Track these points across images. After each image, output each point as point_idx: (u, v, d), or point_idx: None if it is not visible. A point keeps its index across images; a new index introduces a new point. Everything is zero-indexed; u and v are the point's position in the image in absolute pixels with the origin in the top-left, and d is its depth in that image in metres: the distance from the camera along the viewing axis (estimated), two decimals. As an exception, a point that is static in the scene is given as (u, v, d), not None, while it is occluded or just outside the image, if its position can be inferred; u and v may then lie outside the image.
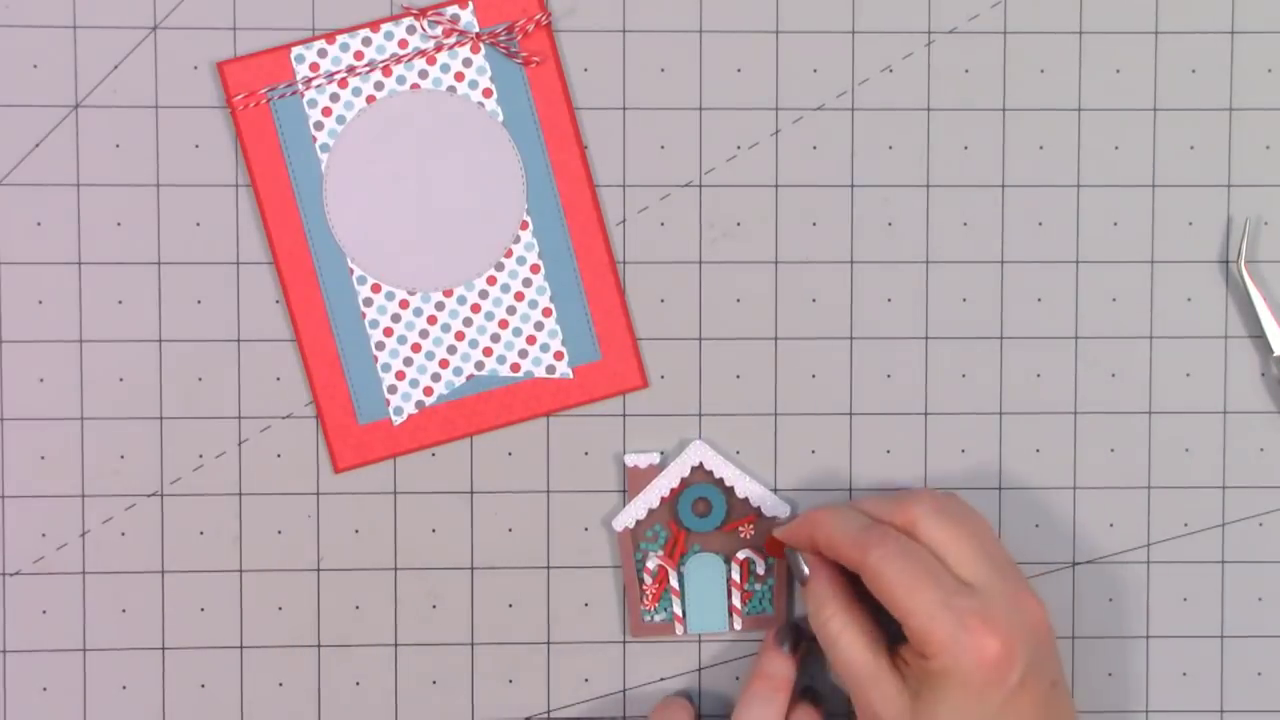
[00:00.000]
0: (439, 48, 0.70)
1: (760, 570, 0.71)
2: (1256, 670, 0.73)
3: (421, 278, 0.71)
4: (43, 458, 0.71)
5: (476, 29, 0.70)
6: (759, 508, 0.71)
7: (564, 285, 0.71)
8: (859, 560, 0.63)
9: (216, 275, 0.71)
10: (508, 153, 0.71)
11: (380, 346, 0.71)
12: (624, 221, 0.72)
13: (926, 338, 0.72)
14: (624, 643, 0.72)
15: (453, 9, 0.70)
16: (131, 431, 0.71)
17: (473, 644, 0.72)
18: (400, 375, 0.71)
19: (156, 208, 0.71)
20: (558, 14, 0.71)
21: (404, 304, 0.71)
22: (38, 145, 0.71)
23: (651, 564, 0.71)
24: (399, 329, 0.71)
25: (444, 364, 0.71)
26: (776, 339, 0.72)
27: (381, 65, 0.70)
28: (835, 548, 0.65)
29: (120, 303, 0.71)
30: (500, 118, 0.71)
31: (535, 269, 0.71)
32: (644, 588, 0.71)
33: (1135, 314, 0.73)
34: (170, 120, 0.71)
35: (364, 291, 0.71)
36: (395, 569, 0.72)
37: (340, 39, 0.70)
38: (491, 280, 0.71)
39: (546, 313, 0.71)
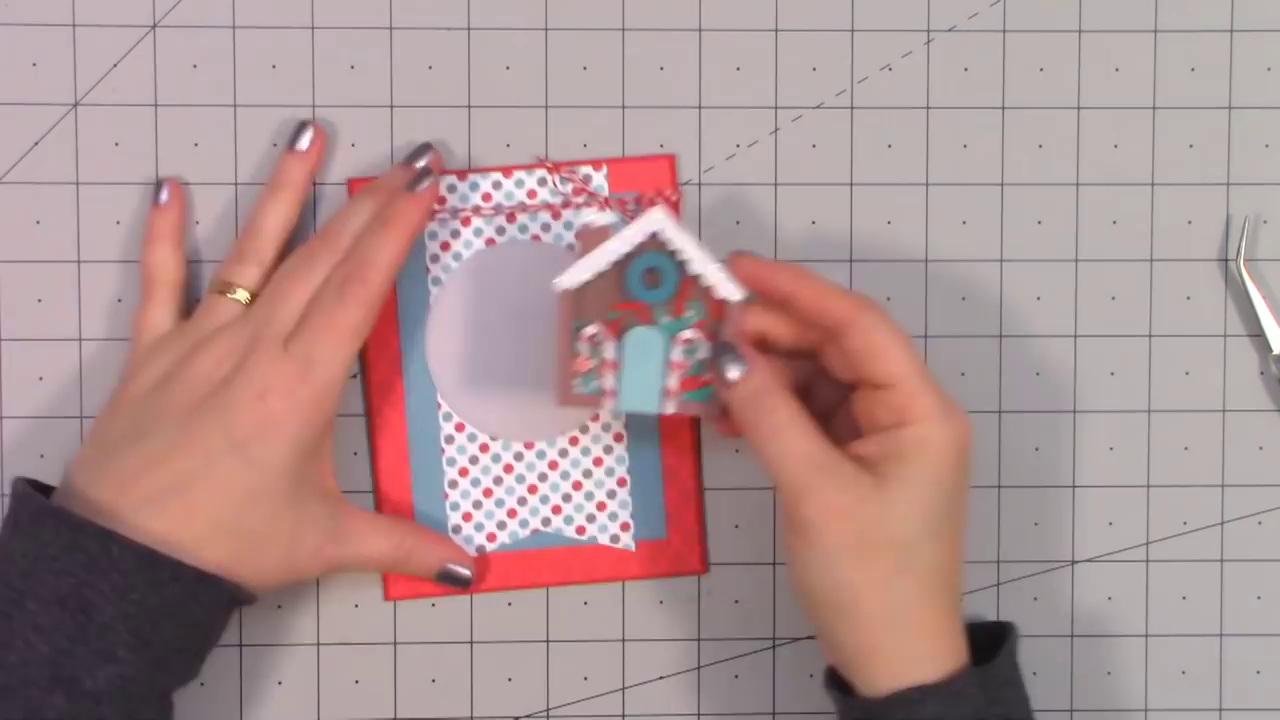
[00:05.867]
0: (566, 204, 0.70)
1: (703, 354, 0.65)
2: (1255, 669, 0.73)
3: (506, 426, 0.70)
4: (42, 456, 0.71)
5: (606, 193, 0.70)
6: (711, 288, 0.65)
7: (643, 459, 0.71)
8: (850, 315, 0.62)
9: (215, 274, 0.71)
10: None
11: (453, 485, 0.70)
12: (623, 220, 0.72)
13: (926, 336, 0.72)
14: (623, 641, 0.72)
15: (587, 169, 0.70)
16: (130, 430, 0.71)
17: (472, 643, 0.72)
18: (467, 516, 0.71)
19: (155, 206, 0.71)
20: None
21: (484, 448, 0.70)
22: (36, 143, 0.70)
23: (589, 330, 0.65)
24: (475, 471, 0.70)
25: (512, 513, 0.71)
26: (776, 337, 0.72)
27: (507, 211, 0.70)
28: (822, 298, 0.63)
29: (119, 301, 0.71)
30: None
31: (619, 438, 0.71)
32: (577, 357, 0.65)
33: (1134, 312, 0.73)
34: (169, 119, 0.71)
35: (448, 428, 0.70)
36: (395, 568, 0.72)
37: (471, 178, 0.70)
38: (574, 440, 0.71)
39: (621, 482, 0.71)
